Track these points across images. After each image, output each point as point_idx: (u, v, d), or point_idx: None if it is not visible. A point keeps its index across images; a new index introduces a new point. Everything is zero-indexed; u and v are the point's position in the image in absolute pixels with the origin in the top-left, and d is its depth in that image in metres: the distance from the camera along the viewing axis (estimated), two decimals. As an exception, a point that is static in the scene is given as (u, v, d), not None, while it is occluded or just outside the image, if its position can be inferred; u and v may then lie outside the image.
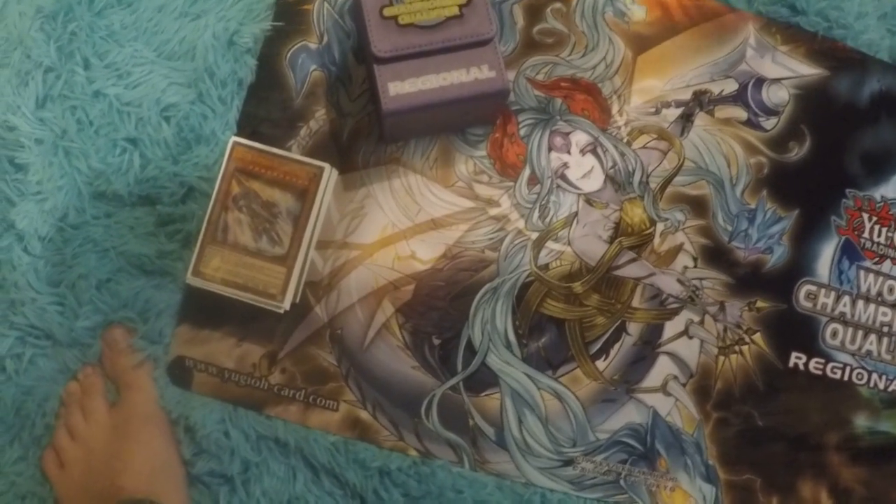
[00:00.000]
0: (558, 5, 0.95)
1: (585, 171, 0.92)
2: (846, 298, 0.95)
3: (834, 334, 0.94)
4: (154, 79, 0.88)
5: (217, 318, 0.86)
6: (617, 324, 0.91)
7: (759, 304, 0.93)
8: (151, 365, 0.85)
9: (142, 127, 0.88)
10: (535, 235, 0.91)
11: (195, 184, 0.87)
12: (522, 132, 0.92)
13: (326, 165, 0.81)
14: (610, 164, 0.93)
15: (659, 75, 0.95)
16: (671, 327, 0.91)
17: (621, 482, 0.89)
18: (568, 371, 0.90)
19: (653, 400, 0.90)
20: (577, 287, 0.91)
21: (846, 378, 0.94)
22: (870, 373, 0.95)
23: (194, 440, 0.85)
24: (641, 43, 0.96)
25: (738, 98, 0.96)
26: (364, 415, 0.87)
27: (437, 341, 0.88)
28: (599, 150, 0.93)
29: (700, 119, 0.95)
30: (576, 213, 0.92)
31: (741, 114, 0.96)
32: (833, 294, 0.95)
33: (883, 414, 0.94)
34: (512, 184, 0.91)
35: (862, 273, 0.96)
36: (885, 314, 0.96)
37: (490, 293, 0.89)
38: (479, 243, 0.90)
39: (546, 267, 0.91)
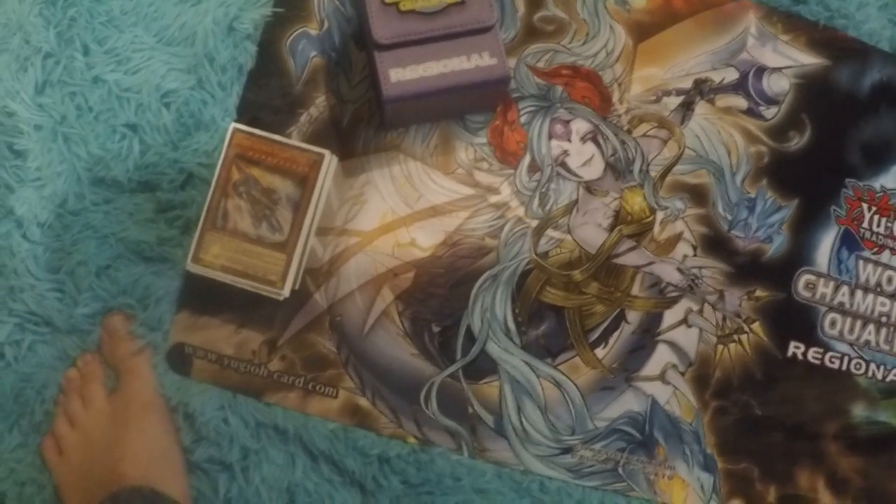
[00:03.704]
0: (559, -7, 0.95)
1: (586, 159, 0.92)
2: (845, 288, 0.95)
3: (832, 324, 0.94)
4: (154, 64, 0.88)
5: (216, 305, 0.86)
6: (616, 312, 0.91)
7: (759, 293, 0.93)
8: (151, 352, 0.85)
9: (141, 113, 0.88)
10: (534, 223, 0.91)
11: (195, 170, 0.87)
12: (523, 120, 0.92)
13: (326, 152, 0.81)
14: (610, 152, 0.93)
15: (660, 63, 0.95)
16: (670, 316, 0.91)
17: (619, 470, 0.89)
18: (567, 359, 0.90)
19: (651, 388, 0.90)
20: (577, 275, 0.91)
21: (844, 368, 0.94)
22: (868, 362, 0.95)
23: (193, 427, 0.85)
24: (642, 31, 0.95)
25: (739, 87, 0.96)
26: (363, 402, 0.87)
27: (436, 329, 0.88)
28: (600, 138, 0.93)
29: (700, 108, 0.95)
30: (576, 201, 0.92)
31: (742, 103, 0.96)
32: (832, 284, 0.95)
33: (881, 404, 0.95)
34: (512, 171, 0.91)
35: (861, 263, 0.96)
36: (883, 304, 0.96)
37: (490, 281, 0.89)
38: (479, 231, 0.90)
39: (546, 255, 0.91)
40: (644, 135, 0.94)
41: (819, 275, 0.95)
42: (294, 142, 0.82)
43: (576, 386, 0.89)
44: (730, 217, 0.94)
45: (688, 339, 0.91)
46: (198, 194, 0.86)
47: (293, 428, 0.85)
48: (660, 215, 0.93)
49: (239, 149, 0.80)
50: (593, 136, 0.93)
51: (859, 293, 0.95)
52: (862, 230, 0.96)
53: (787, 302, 0.94)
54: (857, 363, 0.95)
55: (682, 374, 0.91)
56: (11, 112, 0.86)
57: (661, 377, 0.91)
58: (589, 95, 0.93)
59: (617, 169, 0.93)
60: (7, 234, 0.85)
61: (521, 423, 0.88)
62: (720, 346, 0.92)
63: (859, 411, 0.94)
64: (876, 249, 0.96)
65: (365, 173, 0.90)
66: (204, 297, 0.86)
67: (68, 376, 0.85)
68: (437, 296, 0.89)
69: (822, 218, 0.96)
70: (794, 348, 0.93)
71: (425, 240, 0.89)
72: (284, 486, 0.85)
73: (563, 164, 0.92)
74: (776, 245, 0.94)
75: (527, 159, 0.92)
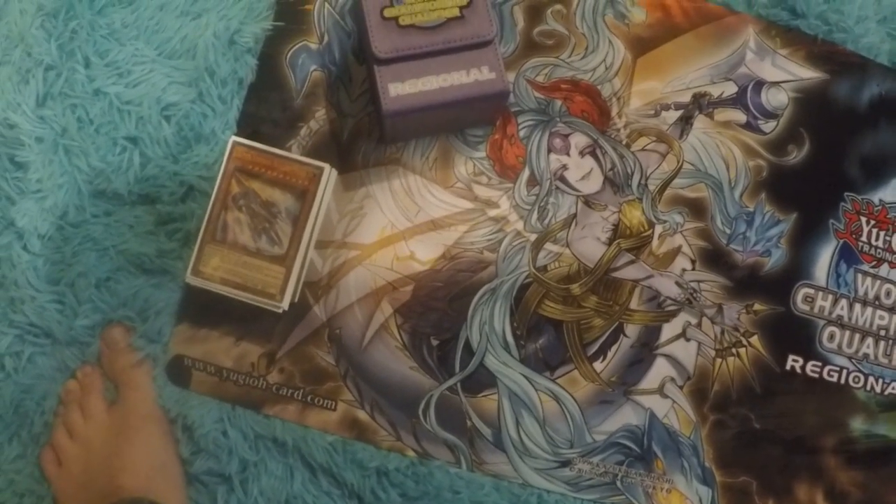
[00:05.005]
0: (559, 7, 0.95)
1: (584, 173, 0.93)
2: (843, 302, 0.95)
3: (831, 337, 0.94)
4: (154, 77, 0.88)
5: (216, 318, 0.86)
6: (615, 326, 0.91)
7: (757, 306, 0.93)
8: (150, 364, 0.85)
9: (142, 126, 0.88)
10: (533, 237, 0.91)
11: (195, 183, 0.87)
12: (522, 134, 0.92)
13: (326, 166, 0.81)
14: (609, 165, 0.93)
15: (659, 77, 0.95)
16: (669, 329, 0.92)
17: (618, 483, 0.89)
18: (565, 372, 0.90)
19: (650, 402, 0.90)
20: (576, 289, 0.91)
21: (843, 381, 0.94)
22: (866, 376, 0.95)
23: (192, 439, 0.85)
24: (641, 45, 0.96)
25: (738, 101, 0.96)
26: (362, 415, 0.87)
27: (435, 342, 0.88)
28: (598, 152, 0.93)
29: (699, 121, 0.95)
30: (574, 215, 0.92)
31: (740, 117, 0.96)
32: (830, 297, 0.95)
33: (879, 417, 0.95)
34: (511, 185, 0.92)
35: (859, 276, 0.96)
36: (882, 318, 0.96)
37: (488, 294, 0.89)
38: (478, 244, 0.90)
39: (544, 268, 0.91)
40: (643, 149, 0.94)
41: (818, 288, 0.95)
42: (294, 155, 0.82)
43: (574, 399, 0.89)
44: (728, 231, 0.94)
45: (686, 352, 0.91)
46: (198, 207, 0.86)
47: (292, 440, 0.86)
48: (658, 229, 0.93)
49: (239, 162, 0.81)
50: (592, 150, 0.93)
51: (858, 306, 0.95)
52: (860, 244, 0.96)
53: (786, 315, 0.94)
54: (856, 376, 0.95)
55: (681, 387, 0.91)
56: (13, 124, 0.86)
57: (660, 391, 0.91)
58: (588, 109, 0.94)
59: (615, 183, 0.93)
60: (8, 246, 0.86)
61: (520, 436, 0.88)
62: (718, 360, 0.92)
63: (858, 424, 0.94)
64: (874, 263, 0.97)
65: (364, 187, 0.90)
66: (203, 309, 0.86)
67: (68, 388, 0.85)
68: (435, 309, 0.89)
69: (820, 231, 0.96)
70: (793, 362, 0.93)
71: (424, 253, 0.90)
72: (283, 499, 0.85)
73: (562, 178, 0.92)
74: (774, 259, 0.94)
75: (526, 173, 0.92)
